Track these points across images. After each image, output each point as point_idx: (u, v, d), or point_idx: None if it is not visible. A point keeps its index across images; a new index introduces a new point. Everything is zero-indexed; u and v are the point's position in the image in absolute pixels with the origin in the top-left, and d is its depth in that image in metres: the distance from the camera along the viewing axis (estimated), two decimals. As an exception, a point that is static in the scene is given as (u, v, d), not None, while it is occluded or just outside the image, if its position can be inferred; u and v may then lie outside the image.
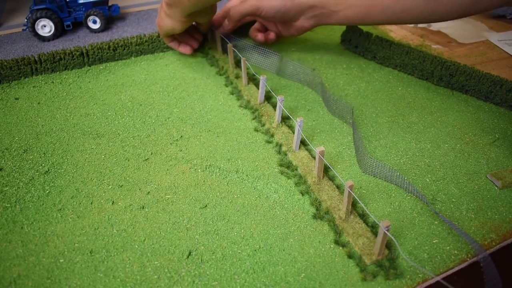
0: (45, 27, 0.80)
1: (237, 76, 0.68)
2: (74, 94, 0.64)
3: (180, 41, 0.72)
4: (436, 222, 0.43)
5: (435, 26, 0.89)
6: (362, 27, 0.80)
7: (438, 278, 0.37)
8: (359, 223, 0.42)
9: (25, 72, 0.67)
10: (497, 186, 0.48)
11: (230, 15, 0.69)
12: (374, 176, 0.49)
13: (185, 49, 0.71)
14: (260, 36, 0.75)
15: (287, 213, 0.44)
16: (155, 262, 0.39)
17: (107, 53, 0.71)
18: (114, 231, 0.42)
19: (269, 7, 0.66)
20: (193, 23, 0.72)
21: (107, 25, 0.87)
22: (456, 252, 0.40)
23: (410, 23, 0.70)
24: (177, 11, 0.59)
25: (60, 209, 0.45)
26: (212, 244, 0.41)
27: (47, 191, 0.47)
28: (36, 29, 0.79)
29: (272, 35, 0.75)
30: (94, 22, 0.84)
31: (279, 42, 0.80)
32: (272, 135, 0.55)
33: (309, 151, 0.52)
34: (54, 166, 0.50)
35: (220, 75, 0.69)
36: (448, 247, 0.41)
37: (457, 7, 0.56)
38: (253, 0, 0.67)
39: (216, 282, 0.38)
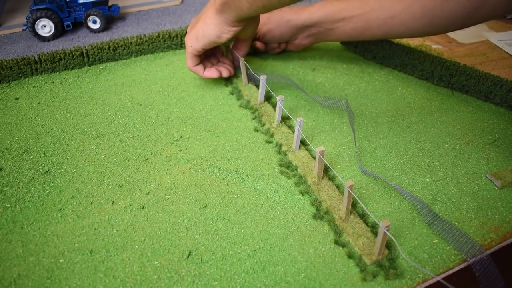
0: (45, 27, 0.80)
1: (237, 76, 0.68)
2: (74, 94, 0.64)
3: (205, 66, 0.63)
4: (436, 222, 0.43)
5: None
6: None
7: (438, 278, 0.37)
8: (359, 223, 0.42)
9: (25, 72, 0.67)
10: (496, 186, 0.48)
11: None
12: (372, 176, 0.49)
13: (211, 73, 0.62)
14: (259, 44, 0.72)
15: (287, 213, 0.44)
16: (155, 262, 0.39)
17: (107, 53, 0.71)
18: (114, 231, 0.42)
19: (265, 30, 0.68)
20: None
21: (107, 25, 0.87)
22: (456, 252, 0.40)
23: (409, 37, 0.70)
24: (229, 17, 0.53)
25: (60, 209, 0.45)
26: (212, 244, 0.41)
27: (47, 191, 0.47)
28: (36, 29, 0.79)
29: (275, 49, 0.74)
30: (94, 22, 0.84)
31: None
32: (272, 135, 0.55)
33: (309, 151, 0.52)
34: (54, 166, 0.50)
35: (220, 75, 0.69)
36: (448, 247, 0.41)
37: (453, 20, 0.56)
38: None
39: (216, 282, 0.38)
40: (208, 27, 0.56)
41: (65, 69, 0.69)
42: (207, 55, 0.65)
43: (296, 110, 0.61)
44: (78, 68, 0.70)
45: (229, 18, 0.53)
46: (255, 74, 0.61)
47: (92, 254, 0.40)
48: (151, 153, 0.52)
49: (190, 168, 0.50)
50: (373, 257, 0.39)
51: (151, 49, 0.74)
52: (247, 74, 0.64)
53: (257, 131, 0.56)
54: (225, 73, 0.64)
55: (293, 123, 0.57)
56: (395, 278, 0.38)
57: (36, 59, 0.67)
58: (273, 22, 0.67)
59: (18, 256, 0.40)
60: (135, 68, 0.71)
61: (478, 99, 0.63)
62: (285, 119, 0.58)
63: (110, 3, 0.90)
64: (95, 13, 0.83)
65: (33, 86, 0.65)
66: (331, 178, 0.48)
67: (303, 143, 0.54)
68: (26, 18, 0.79)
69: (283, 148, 0.52)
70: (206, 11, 0.57)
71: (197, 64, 0.61)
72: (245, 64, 0.63)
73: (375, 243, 0.39)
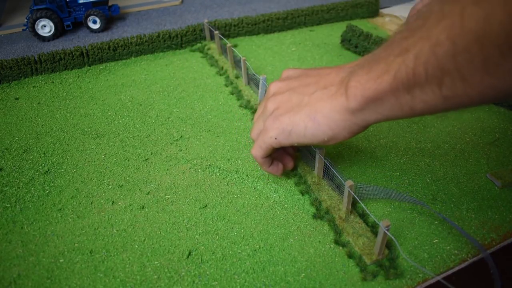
0: (45, 27, 0.80)
1: (237, 76, 0.68)
2: (74, 94, 0.64)
3: (272, 158, 0.47)
4: (436, 222, 0.43)
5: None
6: (362, 27, 0.80)
7: (439, 278, 0.37)
8: (359, 223, 0.42)
9: (25, 72, 0.67)
10: (496, 186, 0.48)
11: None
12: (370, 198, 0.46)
13: (277, 169, 0.47)
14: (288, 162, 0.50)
15: (287, 213, 0.44)
16: (155, 262, 0.39)
17: (107, 53, 0.71)
18: (114, 231, 0.42)
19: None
20: None
21: (107, 25, 0.87)
22: (456, 251, 0.40)
23: None
24: (370, 119, 0.35)
25: (60, 209, 0.45)
26: (212, 244, 0.41)
27: (47, 191, 0.47)
28: (36, 29, 0.79)
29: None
30: (94, 22, 0.84)
31: (279, 42, 0.80)
32: (272, 135, 0.55)
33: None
34: (54, 166, 0.50)
35: (220, 75, 0.69)
36: (448, 247, 0.41)
37: None
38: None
39: (216, 282, 0.38)
40: (318, 127, 0.38)
41: (65, 69, 0.69)
42: None
43: (296, 110, 0.61)
44: (78, 68, 0.70)
45: (368, 121, 0.36)
46: (256, 74, 0.61)
47: (92, 254, 0.40)
48: (151, 153, 0.52)
49: (190, 168, 0.50)
50: (373, 257, 0.39)
51: (151, 49, 0.74)
52: (247, 74, 0.64)
53: (257, 131, 0.56)
54: (290, 165, 0.49)
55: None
56: (395, 278, 0.38)
57: (36, 59, 0.67)
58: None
59: (18, 256, 0.40)
60: (135, 68, 0.71)
61: (478, 99, 0.63)
62: (285, 119, 0.58)
63: (110, 3, 0.90)
64: (95, 13, 0.83)
65: (33, 86, 0.65)
66: (331, 178, 0.48)
67: (303, 143, 0.54)
68: (26, 18, 0.79)
69: (283, 148, 0.52)
70: (316, 102, 0.39)
71: (266, 157, 0.45)
72: (246, 64, 0.63)
73: (375, 243, 0.39)
